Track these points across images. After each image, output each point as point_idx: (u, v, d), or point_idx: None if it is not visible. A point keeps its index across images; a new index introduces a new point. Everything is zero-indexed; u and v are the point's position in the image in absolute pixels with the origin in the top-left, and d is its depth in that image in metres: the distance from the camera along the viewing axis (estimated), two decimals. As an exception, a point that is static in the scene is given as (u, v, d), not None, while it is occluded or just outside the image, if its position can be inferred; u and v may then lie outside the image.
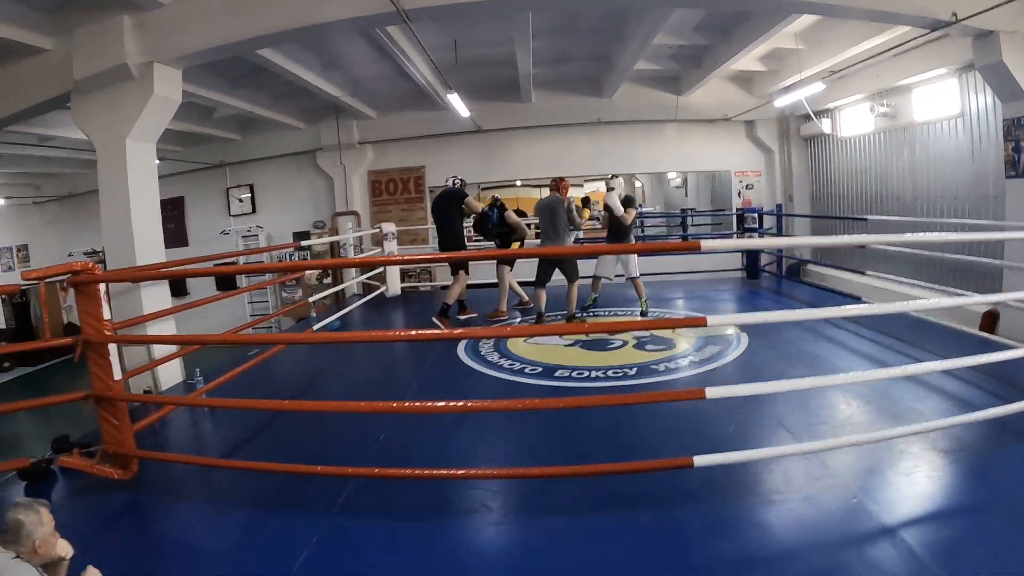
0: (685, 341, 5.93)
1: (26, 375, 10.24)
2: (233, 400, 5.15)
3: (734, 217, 10.30)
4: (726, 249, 5.55)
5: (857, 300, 7.16)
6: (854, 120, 9.35)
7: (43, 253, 12.92)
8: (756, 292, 8.53)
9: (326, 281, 10.84)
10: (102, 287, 3.41)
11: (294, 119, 10.50)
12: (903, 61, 7.57)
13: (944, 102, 7.60)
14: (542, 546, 2.80)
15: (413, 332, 4.41)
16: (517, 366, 5.48)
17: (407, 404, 3.98)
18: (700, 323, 3.01)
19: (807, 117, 9.91)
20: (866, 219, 8.12)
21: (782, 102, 9.20)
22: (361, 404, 3.90)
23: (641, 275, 7.08)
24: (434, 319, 7.01)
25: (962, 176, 7.35)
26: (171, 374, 5.71)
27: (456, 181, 7.33)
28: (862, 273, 7.93)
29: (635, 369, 5.18)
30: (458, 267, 7.30)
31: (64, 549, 2.43)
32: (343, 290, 9.57)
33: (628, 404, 3.86)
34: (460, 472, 3.35)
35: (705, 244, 3.35)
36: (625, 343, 6.08)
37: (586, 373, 5.13)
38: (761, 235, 9.39)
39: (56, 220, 13.05)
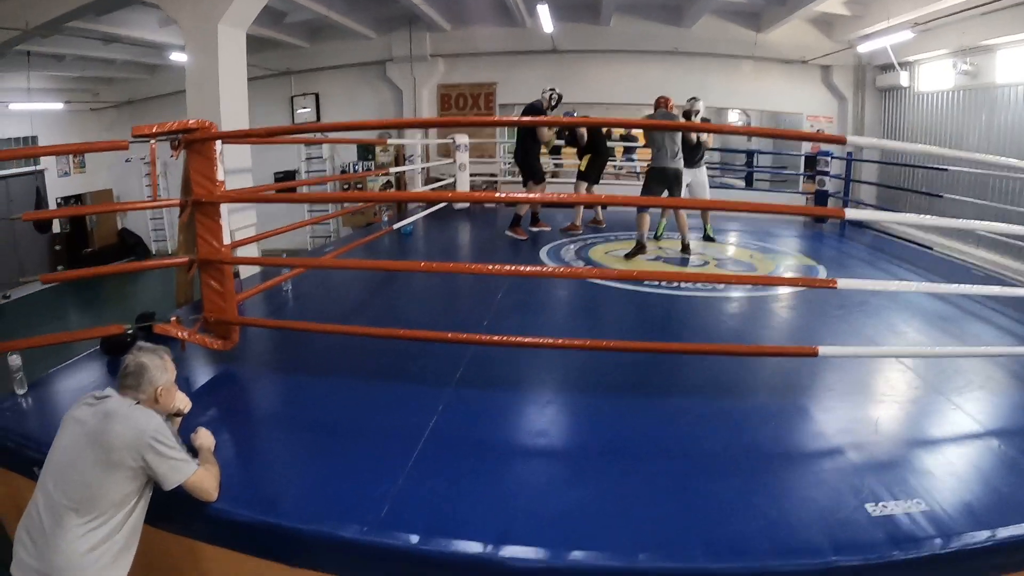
0: (764, 267, 5.93)
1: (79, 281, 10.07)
2: (352, 262, 5.34)
3: (802, 159, 9.94)
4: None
5: (928, 249, 7.07)
6: (933, 75, 8.70)
7: (99, 159, 12.67)
8: (821, 234, 8.08)
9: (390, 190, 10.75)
10: (218, 145, 3.29)
11: (366, 27, 10.06)
12: (991, 21, 7.05)
13: None
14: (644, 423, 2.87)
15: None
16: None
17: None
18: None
19: (884, 68, 9.32)
20: (946, 169, 7.52)
21: (865, 48, 8.67)
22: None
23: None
24: (507, 232, 7.03)
25: None
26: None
27: (551, 95, 6.82)
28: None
29: (723, 286, 5.10)
30: (528, 178, 7.14)
31: (183, 402, 2.34)
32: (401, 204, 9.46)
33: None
34: (578, 342, 3.38)
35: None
36: (707, 262, 6.07)
37: (676, 284, 5.11)
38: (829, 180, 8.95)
39: (114, 127, 12.70)
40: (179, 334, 3.28)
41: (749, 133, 11.31)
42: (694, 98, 6.60)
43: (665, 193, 6.00)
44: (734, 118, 15.77)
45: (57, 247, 11.48)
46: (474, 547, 2.04)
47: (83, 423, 2.03)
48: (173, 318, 3.34)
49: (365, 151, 10.97)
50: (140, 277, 10.79)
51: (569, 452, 2.71)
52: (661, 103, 6.12)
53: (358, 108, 11.07)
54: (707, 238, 6.89)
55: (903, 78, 8.95)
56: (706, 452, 2.61)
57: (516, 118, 8.53)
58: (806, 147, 10.11)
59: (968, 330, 4.14)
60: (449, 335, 3.20)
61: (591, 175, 7.28)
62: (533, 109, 6.82)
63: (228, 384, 3.38)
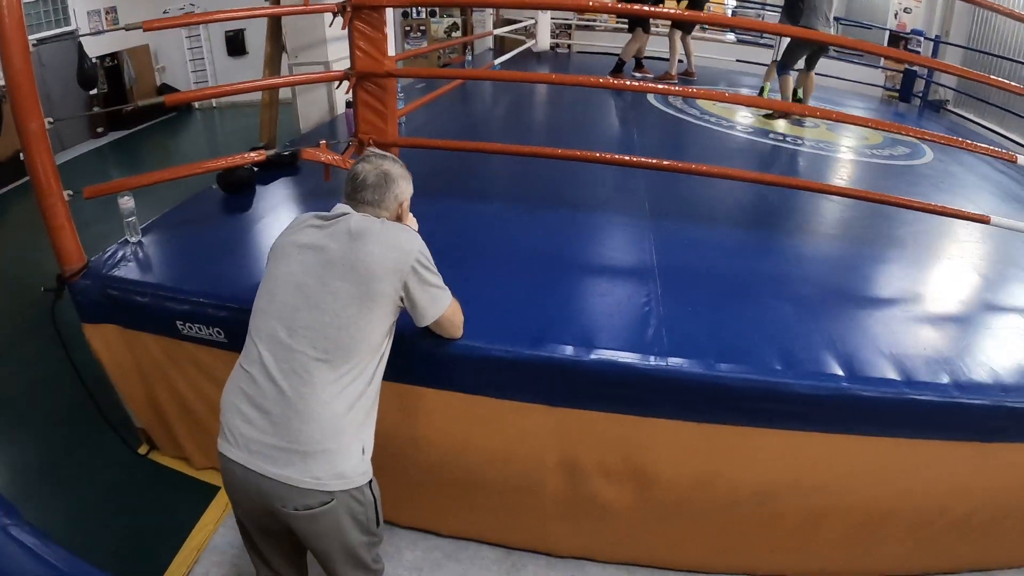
0: (874, 137, 5.44)
1: (120, 139, 9.30)
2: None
3: (886, 35, 8.95)
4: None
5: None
6: None
7: (132, 15, 10.79)
8: (903, 116, 7.43)
9: (455, 35, 9.75)
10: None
11: None
12: None
13: None
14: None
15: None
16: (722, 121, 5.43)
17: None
18: (984, 220, 2.68)
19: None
20: None
21: None
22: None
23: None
24: (609, 76, 6.36)
25: None
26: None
27: None
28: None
29: (838, 147, 5.04)
30: (635, 24, 6.38)
31: (414, 223, 1.86)
32: (472, 45, 8.58)
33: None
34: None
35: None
36: (818, 124, 5.61)
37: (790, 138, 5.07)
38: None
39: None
40: (329, 158, 2.75)
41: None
42: None
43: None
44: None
45: (95, 108, 10.51)
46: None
47: (320, 249, 1.55)
48: (322, 142, 2.80)
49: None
50: (181, 130, 10.09)
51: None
52: None
53: None
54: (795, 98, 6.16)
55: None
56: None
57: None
58: (891, 23, 9.11)
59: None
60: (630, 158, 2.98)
61: (687, 24, 6.46)
62: None
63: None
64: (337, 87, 2.84)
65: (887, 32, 8.98)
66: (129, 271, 2.39)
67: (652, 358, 1.91)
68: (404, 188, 1.72)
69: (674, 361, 1.90)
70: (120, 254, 2.51)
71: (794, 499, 2.00)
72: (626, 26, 7.47)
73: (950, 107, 8.23)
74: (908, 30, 8.48)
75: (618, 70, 6.64)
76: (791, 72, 5.38)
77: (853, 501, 2.00)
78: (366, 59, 2.72)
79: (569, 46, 9.49)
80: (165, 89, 11.36)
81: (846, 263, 2.79)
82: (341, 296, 1.50)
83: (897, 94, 8.30)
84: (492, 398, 2.00)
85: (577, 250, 2.72)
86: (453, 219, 2.82)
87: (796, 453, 1.93)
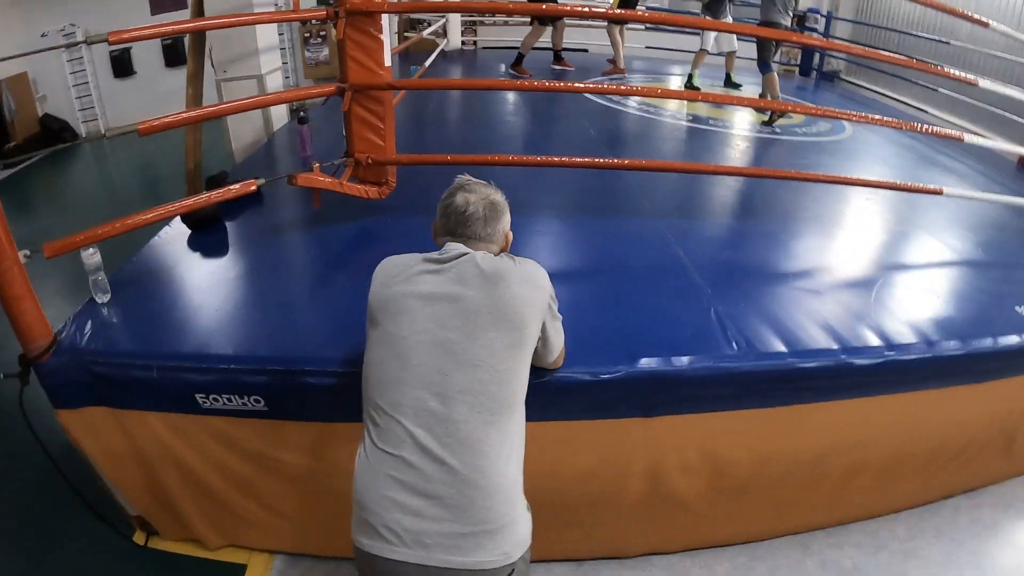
0: (796, 116, 5.52)
1: (3, 180, 7.71)
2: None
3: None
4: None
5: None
6: None
7: (8, 40, 9.26)
8: (803, 88, 7.92)
9: (357, 42, 9.17)
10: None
11: None
12: None
13: None
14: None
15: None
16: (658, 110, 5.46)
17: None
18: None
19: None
20: (945, 42, 6.86)
21: None
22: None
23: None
24: (510, 69, 6.33)
25: None
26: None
27: None
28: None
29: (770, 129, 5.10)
30: (535, 18, 6.26)
31: None
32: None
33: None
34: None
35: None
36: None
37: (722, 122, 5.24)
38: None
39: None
40: (326, 182, 2.38)
41: None
42: None
43: None
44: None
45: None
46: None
47: (455, 299, 1.30)
48: (315, 164, 2.41)
49: (322, -14, 9.17)
50: (73, 163, 8.78)
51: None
52: None
53: None
54: (731, 84, 6.38)
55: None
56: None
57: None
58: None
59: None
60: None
61: (628, 7, 6.36)
62: None
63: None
64: (324, 103, 2.43)
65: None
66: (117, 340, 1.93)
67: (744, 356, 1.94)
68: (508, 217, 1.49)
69: (759, 355, 1.94)
70: (94, 320, 2.03)
71: (838, 459, 2.12)
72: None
73: (843, 76, 8.70)
74: (804, 9, 8.75)
75: (518, 63, 6.39)
76: (772, 67, 5.27)
77: (883, 451, 2.16)
78: (362, 70, 2.36)
79: (475, 43, 9.21)
80: (48, 119, 10.05)
81: (826, 244, 2.96)
82: (496, 348, 1.28)
83: (795, 68, 8.76)
84: (588, 420, 1.91)
85: (607, 257, 2.59)
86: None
87: (843, 418, 2.06)
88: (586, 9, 5.81)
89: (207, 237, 2.65)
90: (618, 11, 5.93)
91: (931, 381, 2.11)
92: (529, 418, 1.71)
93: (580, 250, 2.66)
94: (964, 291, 2.51)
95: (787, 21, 5.20)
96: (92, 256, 2.13)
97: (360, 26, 2.30)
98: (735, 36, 6.38)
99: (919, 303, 2.35)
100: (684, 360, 1.89)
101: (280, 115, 4.57)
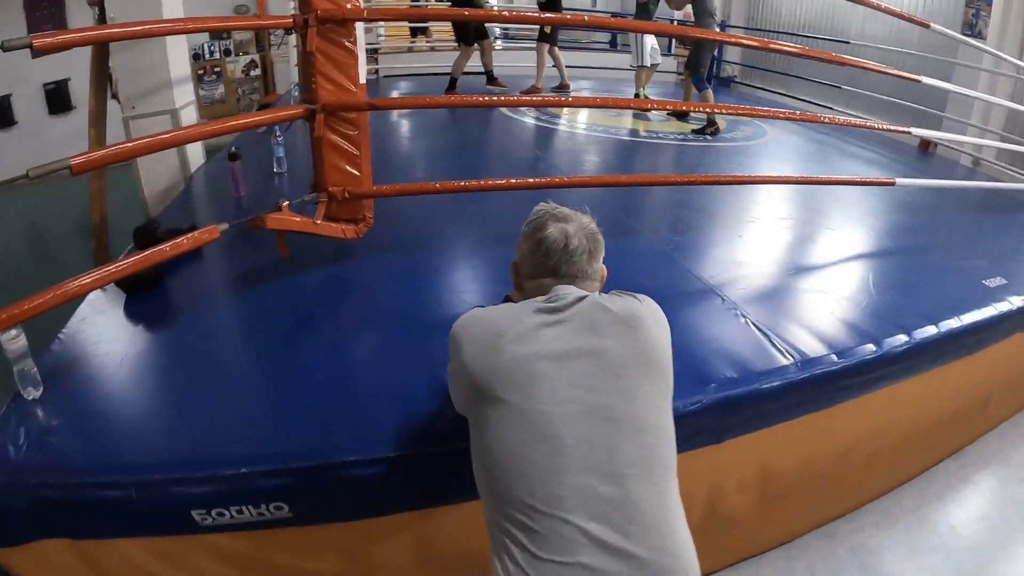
0: (720, 120, 5.55)
1: None
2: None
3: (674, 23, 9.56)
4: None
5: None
6: None
7: None
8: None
9: (254, 73, 8.55)
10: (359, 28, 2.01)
11: None
12: None
13: None
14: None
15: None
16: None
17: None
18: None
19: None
20: (845, 41, 7.19)
21: None
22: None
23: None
24: (445, 93, 5.96)
25: (907, 26, 6.79)
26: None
27: None
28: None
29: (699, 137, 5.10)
30: (460, 39, 6.01)
31: None
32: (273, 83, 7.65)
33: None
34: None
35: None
36: (668, 118, 5.76)
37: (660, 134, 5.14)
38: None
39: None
40: (295, 224, 2.00)
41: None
42: None
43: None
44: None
45: None
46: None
47: (596, 353, 1.04)
48: (283, 202, 2.02)
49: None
50: None
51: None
52: None
53: None
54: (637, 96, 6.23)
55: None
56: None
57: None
58: (677, 14, 9.68)
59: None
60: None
61: (553, 36, 6.25)
62: None
63: (410, 289, 2.21)
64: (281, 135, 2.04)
65: (673, 20, 9.48)
66: (67, 451, 1.46)
67: (802, 365, 1.90)
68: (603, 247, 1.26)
69: (812, 362, 1.92)
70: (28, 424, 1.54)
71: (861, 449, 2.14)
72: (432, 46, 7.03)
73: (738, 80, 8.98)
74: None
75: (452, 87, 6.19)
76: (706, 84, 5.21)
77: (896, 434, 2.21)
78: (335, 89, 1.99)
79: (376, 71, 8.82)
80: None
81: (805, 242, 3.05)
82: (653, 403, 1.06)
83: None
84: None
85: (625, 281, 2.26)
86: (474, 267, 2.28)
87: (870, 410, 2.09)
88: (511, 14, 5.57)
89: (148, 301, 2.16)
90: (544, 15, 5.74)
91: (936, 361, 2.20)
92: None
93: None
94: (935, 274, 2.66)
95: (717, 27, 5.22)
96: (15, 340, 1.64)
97: (332, 37, 1.94)
98: (659, 50, 6.33)
99: (907, 288, 2.47)
100: (756, 378, 1.81)
101: (196, 155, 4.03)
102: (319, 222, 2.09)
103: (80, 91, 7.79)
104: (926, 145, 5.68)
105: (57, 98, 8.22)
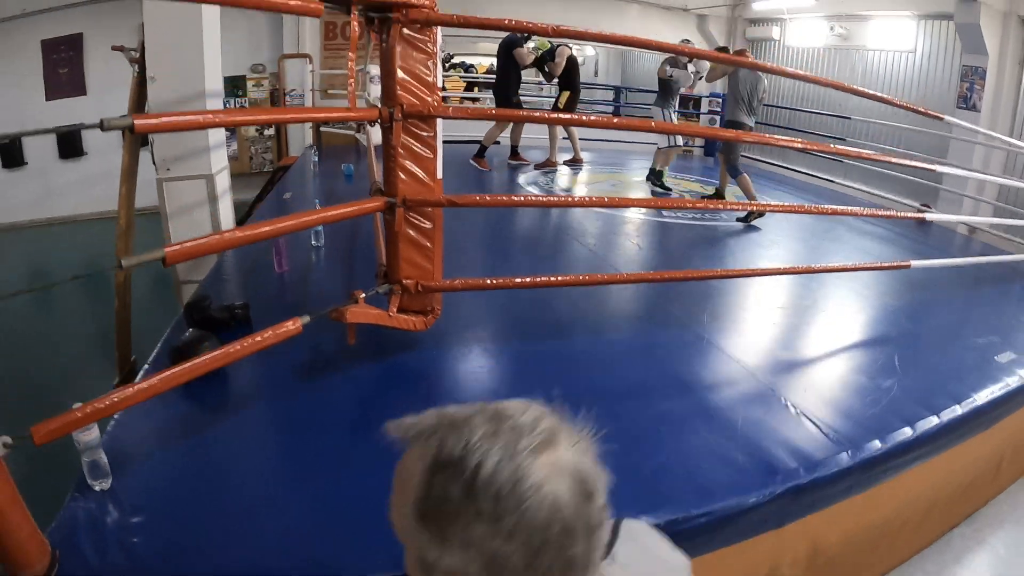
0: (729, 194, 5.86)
1: None
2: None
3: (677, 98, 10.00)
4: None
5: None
6: (803, 33, 8.91)
7: None
8: (711, 168, 8.33)
9: (268, 132, 8.69)
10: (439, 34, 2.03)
11: None
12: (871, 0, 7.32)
13: (898, 37, 7.47)
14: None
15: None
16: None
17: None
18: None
19: (753, 21, 9.66)
20: (847, 116, 7.73)
21: (761, 7, 9.05)
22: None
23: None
24: (472, 160, 6.28)
25: (906, 98, 7.20)
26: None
27: None
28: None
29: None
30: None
31: None
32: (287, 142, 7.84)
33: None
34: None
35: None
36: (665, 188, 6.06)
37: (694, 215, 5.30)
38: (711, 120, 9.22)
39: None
40: (371, 316, 2.02)
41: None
42: (686, 40, 5.98)
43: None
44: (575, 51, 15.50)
45: None
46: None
47: None
48: (359, 294, 2.04)
49: (233, 85, 8.65)
50: None
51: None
52: (745, 53, 5.33)
53: (226, 35, 8.51)
54: (660, 183, 6.19)
55: (775, 32, 9.19)
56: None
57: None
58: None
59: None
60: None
61: (567, 111, 6.47)
62: (512, 43, 5.91)
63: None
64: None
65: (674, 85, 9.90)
66: (146, 552, 1.42)
67: (852, 451, 1.99)
68: None
69: (859, 446, 2.01)
70: (100, 519, 1.51)
71: (894, 520, 2.23)
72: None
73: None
74: (706, 93, 9.46)
75: (480, 155, 6.41)
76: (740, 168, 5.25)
77: (922, 503, 2.32)
78: (414, 183, 2.05)
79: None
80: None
81: (832, 326, 3.18)
82: None
83: (691, 150, 9.42)
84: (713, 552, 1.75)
85: (676, 375, 2.44)
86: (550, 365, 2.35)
87: (905, 485, 2.20)
88: (536, 114, 5.75)
89: (206, 386, 2.13)
90: (563, 115, 5.99)
91: (961, 438, 2.34)
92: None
93: (647, 370, 2.48)
94: (955, 352, 2.83)
95: (752, 122, 5.18)
96: (88, 432, 1.62)
97: (415, 131, 2.00)
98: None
99: (930, 369, 2.62)
100: (816, 467, 1.90)
101: (228, 218, 4.05)
102: (393, 314, 2.10)
103: (92, 137, 7.85)
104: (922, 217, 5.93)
105: (69, 143, 8.25)
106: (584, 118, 5.84)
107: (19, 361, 4.47)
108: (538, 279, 2.34)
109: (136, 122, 1.58)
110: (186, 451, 1.83)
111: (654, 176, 6.05)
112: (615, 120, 3.75)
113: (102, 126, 1.53)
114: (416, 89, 2.00)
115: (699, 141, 9.55)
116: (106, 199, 7.21)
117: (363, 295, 2.05)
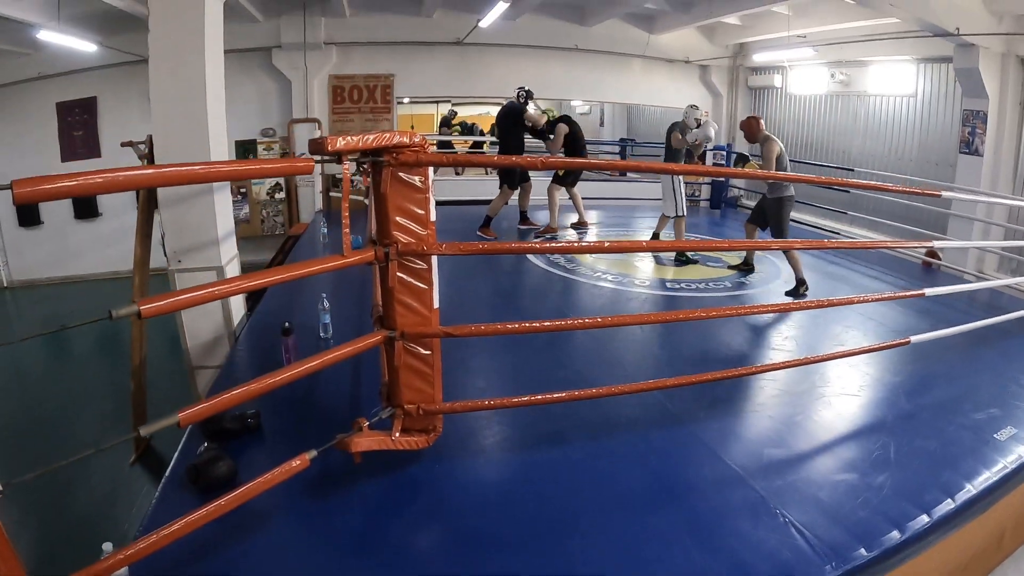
0: (731, 258, 6.05)
1: None
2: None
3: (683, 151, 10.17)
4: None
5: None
6: (805, 80, 9.10)
7: None
8: (718, 221, 8.78)
9: (279, 195, 8.96)
10: (431, 173, 2.16)
11: (253, 7, 8.00)
12: (870, 45, 7.50)
13: (899, 82, 7.65)
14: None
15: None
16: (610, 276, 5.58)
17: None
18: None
19: (755, 70, 9.88)
20: (849, 168, 7.90)
21: (761, 58, 9.22)
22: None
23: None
24: (478, 232, 6.44)
25: (908, 143, 7.61)
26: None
27: (521, 94, 6.26)
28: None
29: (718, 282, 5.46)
30: (503, 181, 6.41)
31: None
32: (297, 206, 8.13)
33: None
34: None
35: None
36: (685, 261, 6.07)
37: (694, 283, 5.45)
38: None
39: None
40: (375, 442, 2.14)
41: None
42: (693, 106, 6.13)
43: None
44: (579, 104, 15.85)
45: None
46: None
47: None
48: (363, 422, 2.17)
49: (244, 149, 8.96)
50: None
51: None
52: (758, 120, 5.32)
53: (235, 101, 8.79)
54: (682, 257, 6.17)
55: (776, 80, 9.38)
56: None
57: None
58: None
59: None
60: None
61: (568, 179, 6.66)
62: (514, 110, 6.12)
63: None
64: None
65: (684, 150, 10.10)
66: None
67: (837, 564, 2.07)
68: None
69: (846, 559, 2.09)
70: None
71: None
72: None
73: (743, 203, 9.59)
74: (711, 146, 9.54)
75: (486, 225, 6.57)
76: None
77: (947, 571, 2.45)
78: (412, 316, 2.19)
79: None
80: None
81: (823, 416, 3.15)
82: None
83: (697, 202, 9.56)
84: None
85: (673, 484, 2.51)
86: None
87: (916, 570, 2.27)
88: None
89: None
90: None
91: (954, 528, 2.38)
92: None
93: (641, 479, 2.53)
94: (952, 434, 2.88)
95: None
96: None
97: (411, 268, 2.14)
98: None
99: (926, 457, 2.68)
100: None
101: (238, 307, 4.22)
102: (395, 437, 2.23)
103: (107, 198, 8.12)
104: (929, 263, 6.16)
105: (84, 205, 8.58)
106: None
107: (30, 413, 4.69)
108: (536, 397, 2.45)
109: (142, 308, 1.62)
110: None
111: (682, 256, 6.07)
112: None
113: (110, 316, 1.59)
114: (410, 227, 2.12)
115: (704, 194, 9.72)
116: (120, 259, 7.57)
117: (367, 423, 2.17)
